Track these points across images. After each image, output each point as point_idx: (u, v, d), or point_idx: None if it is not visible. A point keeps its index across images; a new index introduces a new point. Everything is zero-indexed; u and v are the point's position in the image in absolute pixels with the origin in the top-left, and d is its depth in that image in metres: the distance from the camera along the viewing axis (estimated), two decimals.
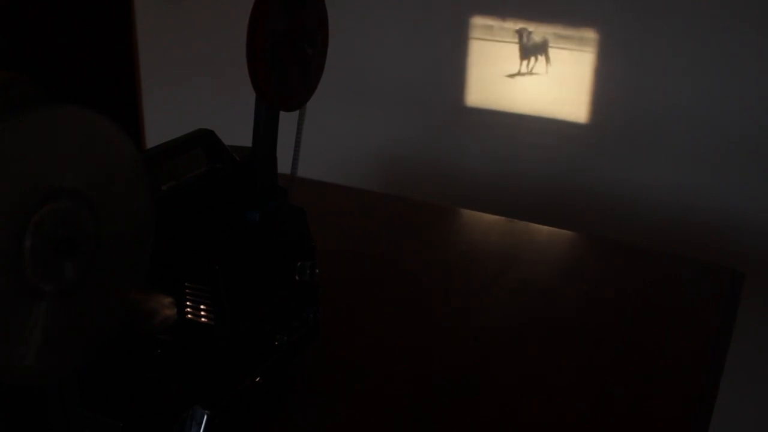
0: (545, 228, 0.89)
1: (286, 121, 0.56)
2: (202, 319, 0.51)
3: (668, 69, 1.10)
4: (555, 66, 1.18)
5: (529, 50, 1.19)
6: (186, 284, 0.50)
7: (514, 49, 1.20)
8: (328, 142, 1.37)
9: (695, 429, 0.57)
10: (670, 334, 0.68)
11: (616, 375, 0.62)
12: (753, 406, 1.21)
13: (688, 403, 0.59)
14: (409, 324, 0.69)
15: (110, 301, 0.38)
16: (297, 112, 0.56)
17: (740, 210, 1.11)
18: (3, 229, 0.32)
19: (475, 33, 1.23)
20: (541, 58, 1.19)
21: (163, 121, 1.61)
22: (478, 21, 1.22)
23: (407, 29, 1.28)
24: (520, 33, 1.19)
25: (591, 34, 1.14)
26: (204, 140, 0.52)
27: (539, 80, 1.20)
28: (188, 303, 0.51)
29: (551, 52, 1.18)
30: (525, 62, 1.20)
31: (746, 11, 1.04)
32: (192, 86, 1.53)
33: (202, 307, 0.50)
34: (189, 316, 0.51)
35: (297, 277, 0.57)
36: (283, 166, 0.59)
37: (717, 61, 1.07)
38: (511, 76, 1.22)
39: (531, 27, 1.18)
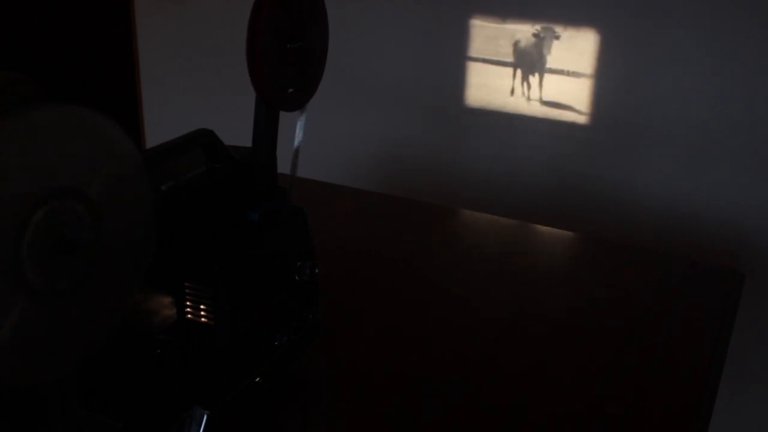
0: (545, 228, 0.89)
1: (286, 121, 0.56)
2: (202, 319, 0.51)
3: (667, 70, 1.10)
4: (554, 66, 1.18)
5: (529, 50, 1.19)
6: (186, 284, 0.50)
7: (513, 50, 1.20)
8: (328, 142, 1.37)
9: (695, 429, 0.57)
10: (670, 334, 0.68)
11: (616, 375, 0.62)
12: (753, 406, 1.21)
13: (688, 403, 0.59)
14: (409, 324, 0.69)
15: (110, 301, 0.38)
16: (297, 112, 0.56)
17: (740, 210, 1.11)
18: (3, 229, 0.31)
19: (474, 33, 1.23)
20: (541, 59, 1.19)
21: (163, 121, 1.61)
22: (477, 21, 1.22)
23: (407, 29, 1.28)
24: (518, 33, 1.19)
25: (591, 35, 1.14)
26: (204, 140, 0.52)
27: (539, 81, 1.20)
28: (188, 303, 0.51)
29: (551, 52, 1.18)
30: (524, 63, 1.20)
31: (746, 11, 1.04)
32: (192, 86, 1.53)
33: (202, 307, 0.50)
34: (189, 316, 0.51)
35: (297, 277, 0.57)
36: (283, 166, 0.59)
37: (716, 61, 1.07)
38: (511, 76, 1.22)
39: (530, 28, 1.18)
